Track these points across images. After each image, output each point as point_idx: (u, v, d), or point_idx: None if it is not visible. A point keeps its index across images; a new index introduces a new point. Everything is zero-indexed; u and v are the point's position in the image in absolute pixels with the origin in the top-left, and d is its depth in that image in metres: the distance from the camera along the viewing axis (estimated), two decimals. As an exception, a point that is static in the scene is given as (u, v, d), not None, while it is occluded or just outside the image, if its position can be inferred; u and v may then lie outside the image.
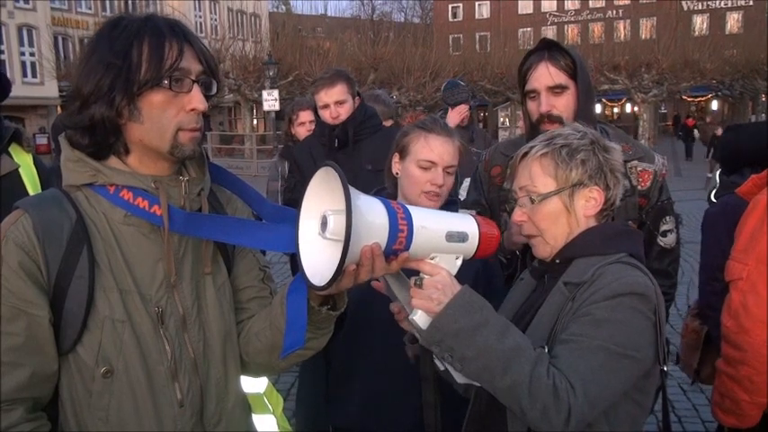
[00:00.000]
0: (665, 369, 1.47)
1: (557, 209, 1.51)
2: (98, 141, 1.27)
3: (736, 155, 2.93)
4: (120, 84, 1.22)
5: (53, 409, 1.29)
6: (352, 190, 1.14)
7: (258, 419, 1.65)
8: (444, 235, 1.31)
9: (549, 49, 2.11)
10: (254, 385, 1.65)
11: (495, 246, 1.41)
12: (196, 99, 1.26)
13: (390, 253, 1.23)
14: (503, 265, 2.16)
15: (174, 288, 1.31)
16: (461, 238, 1.34)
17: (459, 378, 1.42)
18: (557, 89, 2.07)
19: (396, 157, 2.05)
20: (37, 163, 2.17)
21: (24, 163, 2.12)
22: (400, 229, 1.22)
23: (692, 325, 2.84)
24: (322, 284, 1.14)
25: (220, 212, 1.44)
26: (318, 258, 1.18)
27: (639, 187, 2.14)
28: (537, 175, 1.52)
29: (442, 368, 1.52)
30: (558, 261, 1.53)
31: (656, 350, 1.41)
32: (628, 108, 42.73)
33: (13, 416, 1.20)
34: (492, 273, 2.07)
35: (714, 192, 3.01)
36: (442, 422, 1.85)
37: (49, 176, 2.15)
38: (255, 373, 1.53)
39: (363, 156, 3.19)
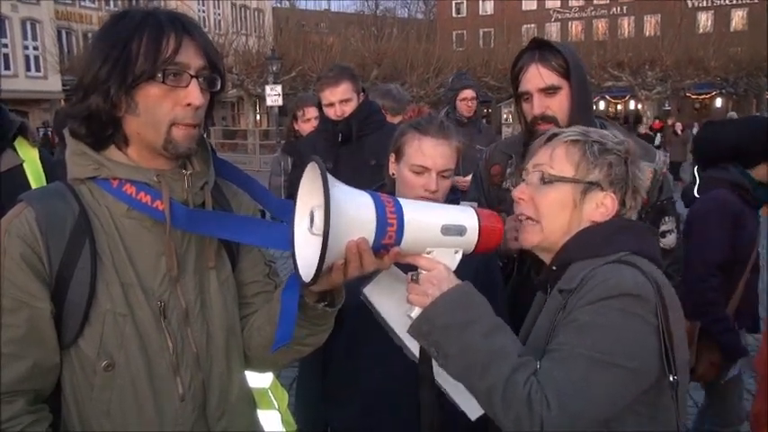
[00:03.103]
0: (672, 379, 1.29)
1: (564, 199, 1.41)
2: (95, 132, 1.27)
3: (716, 150, 2.94)
4: (116, 76, 1.22)
5: (56, 401, 1.29)
6: (336, 183, 1.13)
7: (263, 416, 1.64)
8: (440, 228, 1.28)
9: (540, 49, 2.06)
10: (259, 380, 1.65)
11: (498, 239, 1.36)
12: (193, 94, 1.24)
13: (380, 247, 1.21)
14: (500, 268, 2.14)
15: (177, 282, 1.31)
16: (459, 231, 1.30)
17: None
18: (549, 90, 2.03)
19: (392, 158, 2.00)
20: (43, 157, 2.16)
21: (29, 158, 2.10)
22: (389, 223, 1.19)
23: None
24: (309, 280, 1.14)
25: (225, 207, 1.44)
26: (309, 254, 1.17)
27: None
28: (559, 158, 1.42)
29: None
30: (554, 268, 1.43)
31: (661, 357, 1.27)
32: (632, 105, 42.59)
33: (14, 407, 1.20)
34: (492, 270, 2.04)
35: (696, 188, 3.00)
36: (441, 423, 1.83)
37: (54, 169, 2.14)
38: (259, 368, 1.53)
39: (367, 151, 3.18)
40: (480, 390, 1.26)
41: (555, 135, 1.47)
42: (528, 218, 1.45)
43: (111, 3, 32.79)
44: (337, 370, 2.04)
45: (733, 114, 19.64)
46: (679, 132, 18.45)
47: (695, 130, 18.25)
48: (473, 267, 1.78)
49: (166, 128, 1.25)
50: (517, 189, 1.48)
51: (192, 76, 1.25)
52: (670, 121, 21.06)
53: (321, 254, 1.09)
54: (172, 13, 1.28)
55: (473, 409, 1.45)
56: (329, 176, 1.11)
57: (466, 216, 1.33)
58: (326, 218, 1.07)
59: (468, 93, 4.84)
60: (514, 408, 1.21)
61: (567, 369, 1.23)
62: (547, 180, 1.42)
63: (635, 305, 1.26)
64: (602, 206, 1.41)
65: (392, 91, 4.23)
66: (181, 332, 1.31)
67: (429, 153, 1.89)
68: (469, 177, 3.30)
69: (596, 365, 1.23)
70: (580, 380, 1.22)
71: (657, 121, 23.71)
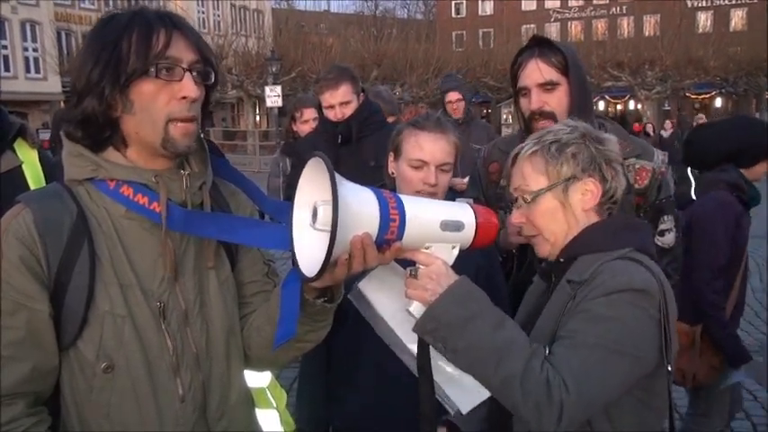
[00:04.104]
0: (669, 369, 1.39)
1: (552, 206, 1.49)
2: (92, 135, 1.27)
3: (714, 153, 2.92)
4: (109, 76, 1.22)
5: (55, 403, 1.29)
6: (341, 180, 1.14)
7: (261, 415, 1.64)
8: (439, 224, 1.30)
9: (539, 46, 2.09)
10: (257, 379, 1.65)
11: (494, 235, 1.38)
12: (187, 87, 1.24)
13: (382, 243, 1.22)
14: (500, 263, 2.15)
15: (176, 282, 1.31)
16: (457, 227, 1.32)
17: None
18: (548, 86, 2.04)
19: (391, 157, 2.01)
20: (43, 158, 2.17)
21: (29, 160, 2.11)
22: (392, 219, 1.21)
23: (678, 327, 2.79)
24: (313, 275, 1.14)
25: (223, 207, 1.44)
26: (310, 249, 1.18)
27: (636, 185, 2.10)
28: (528, 175, 1.51)
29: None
30: (562, 260, 1.50)
31: (661, 349, 1.36)
32: (631, 105, 42.62)
33: (14, 410, 1.20)
34: (493, 268, 2.05)
35: (693, 190, 2.99)
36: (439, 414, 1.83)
37: (53, 170, 2.14)
38: (258, 367, 1.53)
39: (367, 152, 3.19)
40: (494, 381, 1.28)
41: (517, 155, 1.55)
42: (533, 236, 1.54)
43: (111, 4, 32.81)
44: (338, 368, 2.05)
45: (701, 117, 19.40)
46: (651, 134, 18.46)
47: (664, 133, 18.26)
48: (474, 264, 1.79)
49: (163, 124, 1.25)
50: (513, 216, 1.56)
51: (184, 70, 1.24)
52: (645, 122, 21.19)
53: (328, 248, 1.09)
54: (159, 11, 1.29)
55: (465, 403, 1.46)
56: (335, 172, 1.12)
57: (463, 212, 1.35)
58: (335, 214, 1.08)
59: (452, 95, 4.84)
60: (534, 394, 1.24)
61: (580, 355, 1.30)
62: (529, 200, 1.50)
63: (642, 300, 1.34)
64: (587, 192, 1.48)
65: (382, 92, 4.33)
66: (180, 333, 1.31)
67: (427, 147, 1.91)
68: (467, 179, 3.30)
69: (609, 353, 1.30)
70: (594, 365, 1.29)
71: (637, 125, 23.75)
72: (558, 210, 1.49)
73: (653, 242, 1.56)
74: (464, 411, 1.48)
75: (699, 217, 2.80)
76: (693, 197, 2.91)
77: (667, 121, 20.80)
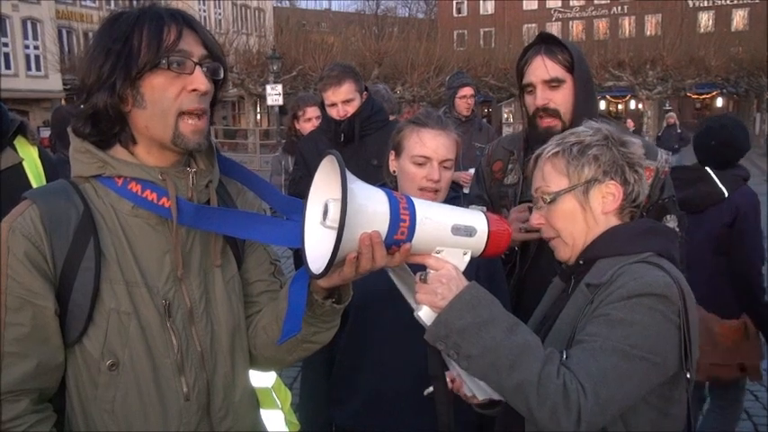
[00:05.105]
0: (688, 376, 1.37)
1: (571, 207, 1.47)
2: (101, 130, 1.27)
3: (734, 152, 3.13)
4: (120, 69, 1.22)
5: (59, 400, 1.29)
6: (353, 178, 1.14)
7: (266, 415, 1.64)
8: (450, 227, 1.28)
9: (545, 43, 2.09)
10: (262, 379, 1.65)
11: (507, 243, 1.37)
12: (198, 79, 1.25)
13: (392, 243, 1.21)
14: (501, 260, 2.15)
15: (182, 281, 1.31)
16: (468, 232, 1.30)
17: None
18: (553, 83, 2.04)
19: (392, 155, 2.01)
20: (43, 156, 2.17)
21: (29, 156, 2.12)
22: (402, 219, 1.20)
23: (729, 325, 2.94)
24: (320, 272, 1.14)
25: (230, 205, 1.43)
26: (320, 247, 1.18)
27: None
28: (549, 175, 1.49)
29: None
30: (581, 262, 1.49)
31: (680, 355, 1.34)
32: (632, 105, 42.60)
33: (19, 406, 1.20)
34: (495, 266, 2.04)
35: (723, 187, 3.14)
36: (455, 420, 1.83)
37: (54, 168, 2.15)
38: (264, 366, 1.53)
39: (369, 151, 3.18)
40: (509, 386, 1.26)
41: (538, 156, 1.54)
42: (552, 238, 1.52)
43: (112, 2, 32.80)
44: (339, 367, 2.05)
45: (674, 114, 19.46)
46: None
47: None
48: (475, 263, 1.78)
49: (174, 119, 1.25)
50: (532, 218, 1.55)
51: (195, 63, 1.25)
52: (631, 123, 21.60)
53: (335, 244, 1.09)
54: (169, 7, 1.30)
55: (480, 392, 1.47)
56: (347, 170, 1.12)
57: (475, 218, 1.33)
58: (343, 209, 1.08)
59: (467, 90, 4.88)
60: (551, 399, 1.23)
61: (598, 359, 1.28)
62: (549, 200, 1.48)
63: (662, 304, 1.32)
64: (608, 195, 1.46)
65: (381, 91, 4.33)
66: (186, 331, 1.31)
67: (429, 143, 1.91)
68: (471, 171, 3.29)
69: (627, 357, 1.28)
70: (612, 369, 1.27)
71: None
72: (577, 211, 1.47)
73: (677, 247, 1.53)
74: (480, 398, 1.49)
75: (746, 210, 2.98)
76: (726, 194, 3.05)
77: (629, 120, 21.09)
